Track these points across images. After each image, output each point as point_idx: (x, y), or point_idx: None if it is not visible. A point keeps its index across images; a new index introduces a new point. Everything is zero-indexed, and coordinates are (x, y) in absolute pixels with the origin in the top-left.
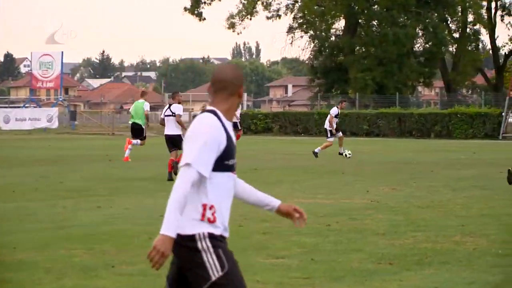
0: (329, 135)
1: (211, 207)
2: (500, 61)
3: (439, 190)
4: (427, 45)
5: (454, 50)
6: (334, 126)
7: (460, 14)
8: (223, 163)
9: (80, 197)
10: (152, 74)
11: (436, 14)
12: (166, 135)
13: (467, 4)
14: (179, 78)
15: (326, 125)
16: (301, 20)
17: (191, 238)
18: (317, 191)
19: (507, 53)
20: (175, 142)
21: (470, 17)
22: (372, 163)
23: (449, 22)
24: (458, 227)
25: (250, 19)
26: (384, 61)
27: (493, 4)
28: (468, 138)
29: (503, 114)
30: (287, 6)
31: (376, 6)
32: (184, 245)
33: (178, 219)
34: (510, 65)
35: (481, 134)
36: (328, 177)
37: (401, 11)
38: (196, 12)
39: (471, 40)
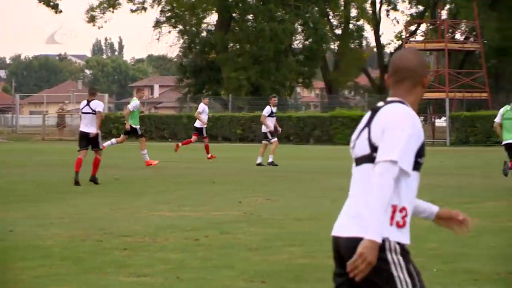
0: (269, 137)
1: (401, 210)
2: (385, 60)
3: (319, 201)
4: (307, 42)
5: (336, 47)
6: (272, 126)
7: (342, 8)
8: (416, 160)
9: None
10: (2, 73)
11: (317, 8)
12: (81, 132)
13: None
14: (32, 77)
15: (263, 129)
16: (169, 14)
17: (380, 246)
18: (184, 202)
19: (392, 51)
20: (90, 140)
21: (354, 12)
22: (246, 171)
23: (331, 17)
24: None
25: (113, 12)
26: (260, 60)
27: None
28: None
29: None
30: None
31: None
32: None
33: (383, 222)
34: None
35: None
36: (196, 187)
37: (279, 4)
38: (51, 3)
39: (354, 36)
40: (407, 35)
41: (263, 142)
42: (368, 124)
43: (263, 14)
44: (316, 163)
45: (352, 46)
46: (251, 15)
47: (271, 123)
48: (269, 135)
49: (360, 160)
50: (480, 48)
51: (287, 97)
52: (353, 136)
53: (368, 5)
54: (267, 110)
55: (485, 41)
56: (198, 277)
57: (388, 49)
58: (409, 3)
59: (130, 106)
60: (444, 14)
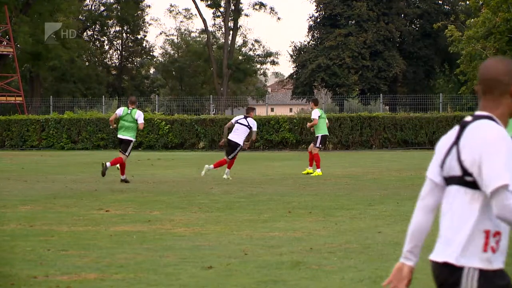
0: None
1: (495, 234)
2: None
3: None
4: None
5: None
6: None
7: None
8: None
9: None
10: None
11: None
12: None
13: None
14: None
15: None
16: None
17: (458, 270)
18: None
19: None
20: None
21: None
22: None
23: None
24: None
25: None
26: None
27: None
28: None
29: None
30: None
31: None
32: (449, 274)
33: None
34: None
35: None
36: None
37: None
38: None
39: None
40: None
41: None
42: (456, 141)
43: None
44: None
45: None
46: None
47: None
48: None
49: (450, 180)
50: (13, 52)
51: None
52: (442, 152)
53: None
54: None
55: (18, 45)
56: None
57: None
58: None
59: None
60: None
